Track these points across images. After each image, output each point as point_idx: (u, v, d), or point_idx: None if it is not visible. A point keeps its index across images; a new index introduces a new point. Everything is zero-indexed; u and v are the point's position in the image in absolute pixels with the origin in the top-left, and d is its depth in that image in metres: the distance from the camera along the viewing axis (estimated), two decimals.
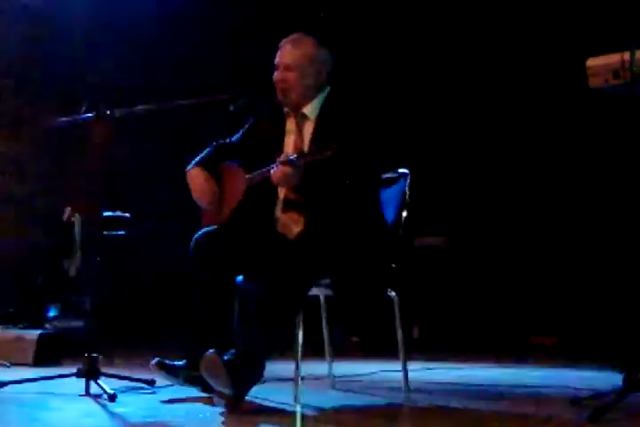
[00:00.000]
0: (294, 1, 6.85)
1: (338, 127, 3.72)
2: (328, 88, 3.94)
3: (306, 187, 3.65)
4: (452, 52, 6.74)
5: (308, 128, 3.89)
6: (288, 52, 3.90)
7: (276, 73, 3.92)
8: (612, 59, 3.49)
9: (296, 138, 3.91)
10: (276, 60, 3.93)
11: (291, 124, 3.95)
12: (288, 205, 3.81)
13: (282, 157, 3.62)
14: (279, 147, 3.91)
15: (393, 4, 6.81)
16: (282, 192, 3.84)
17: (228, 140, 4.08)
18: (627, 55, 3.43)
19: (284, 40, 3.96)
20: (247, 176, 3.85)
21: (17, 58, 6.39)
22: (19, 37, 6.38)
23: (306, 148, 3.81)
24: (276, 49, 3.97)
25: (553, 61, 6.21)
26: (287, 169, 3.59)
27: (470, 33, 6.66)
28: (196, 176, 3.94)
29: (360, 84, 5.91)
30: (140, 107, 4.05)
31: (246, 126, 4.08)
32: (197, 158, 4.00)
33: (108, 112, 3.95)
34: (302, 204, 3.75)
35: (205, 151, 4.03)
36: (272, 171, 3.64)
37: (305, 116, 3.90)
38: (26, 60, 6.41)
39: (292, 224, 3.79)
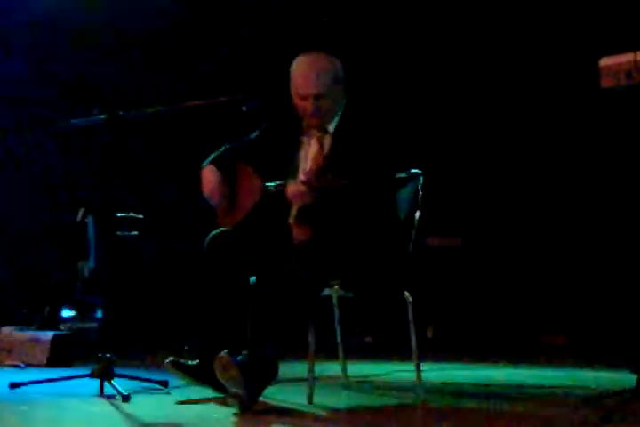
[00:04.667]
0: (304, 4, 6.85)
1: (354, 138, 3.71)
2: (344, 100, 3.92)
3: (314, 211, 3.66)
4: (463, 53, 6.73)
5: (327, 140, 3.86)
6: (314, 81, 3.78)
7: (303, 102, 3.81)
8: (625, 59, 3.47)
9: (317, 152, 3.87)
10: (302, 90, 3.81)
11: (309, 137, 3.91)
12: (300, 215, 3.79)
13: (301, 176, 3.65)
14: (292, 155, 3.90)
15: (407, 7, 6.80)
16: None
17: (242, 142, 4.07)
18: (639, 55, 3.42)
19: (300, 63, 3.85)
20: (265, 185, 3.86)
21: (28, 59, 6.41)
22: (29, 38, 6.40)
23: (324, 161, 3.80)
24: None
25: (566, 62, 6.20)
26: (303, 187, 3.61)
27: (484, 34, 6.64)
28: (208, 174, 3.94)
29: (373, 84, 5.91)
30: (151, 108, 4.06)
31: (260, 130, 4.06)
32: (212, 156, 4.00)
33: (120, 113, 3.97)
34: (314, 215, 3.74)
35: (221, 150, 4.02)
36: (288, 186, 3.66)
37: (326, 131, 3.87)
38: (38, 61, 6.43)
39: (300, 233, 3.77)
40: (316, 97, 3.79)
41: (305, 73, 3.83)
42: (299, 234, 3.76)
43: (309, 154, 3.88)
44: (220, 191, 3.90)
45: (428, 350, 5.02)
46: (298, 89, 3.83)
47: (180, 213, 6.55)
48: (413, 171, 4.04)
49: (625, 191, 5.68)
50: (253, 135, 4.06)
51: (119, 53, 6.59)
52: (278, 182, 3.81)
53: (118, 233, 5.41)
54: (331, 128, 3.87)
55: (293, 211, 3.82)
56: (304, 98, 3.82)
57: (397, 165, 3.86)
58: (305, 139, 3.92)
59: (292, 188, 3.66)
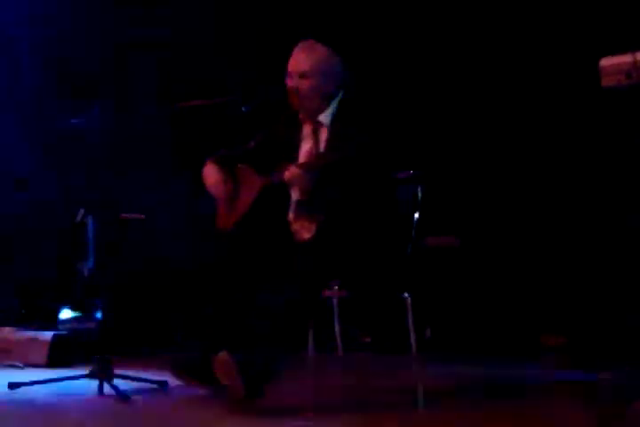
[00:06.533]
0: (305, 3, 6.84)
1: (350, 133, 3.71)
2: (341, 94, 3.93)
3: (317, 190, 3.65)
4: (463, 53, 6.72)
5: (324, 135, 3.87)
6: (302, 60, 3.85)
7: (289, 80, 3.88)
8: (625, 59, 3.47)
9: (312, 145, 3.88)
10: (290, 67, 3.88)
11: (307, 130, 3.93)
12: (300, 208, 3.80)
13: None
14: (295, 153, 3.91)
15: (405, 5, 6.80)
16: (295, 195, 3.84)
17: (240, 149, 4.07)
18: (639, 55, 3.42)
19: (296, 47, 3.92)
20: (263, 178, 3.86)
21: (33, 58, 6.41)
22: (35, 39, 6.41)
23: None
24: (287, 50, 3.94)
25: (567, 62, 6.19)
26: (298, 170, 3.61)
27: (484, 34, 6.64)
28: (209, 168, 3.96)
29: (373, 87, 5.90)
30: (151, 108, 4.07)
31: (262, 132, 4.07)
32: (212, 157, 4.01)
33: (120, 113, 3.97)
34: (314, 206, 3.74)
35: (221, 153, 4.03)
36: (286, 170, 3.66)
37: (320, 124, 3.88)
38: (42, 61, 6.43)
39: (303, 231, 3.78)
40: (300, 75, 3.84)
41: (295, 53, 3.91)
42: (300, 231, 3.76)
43: (307, 147, 3.89)
44: (222, 182, 3.91)
45: (427, 350, 5.02)
46: (288, 68, 3.89)
47: (181, 213, 6.54)
48: (414, 171, 4.04)
49: (625, 192, 5.67)
50: (252, 142, 4.06)
51: (119, 53, 6.58)
52: (274, 174, 3.82)
53: (118, 234, 5.41)
54: (324, 120, 3.88)
55: (293, 203, 3.82)
56: (289, 75, 3.88)
57: (393, 160, 3.85)
58: (303, 132, 3.93)
59: (290, 170, 3.66)
